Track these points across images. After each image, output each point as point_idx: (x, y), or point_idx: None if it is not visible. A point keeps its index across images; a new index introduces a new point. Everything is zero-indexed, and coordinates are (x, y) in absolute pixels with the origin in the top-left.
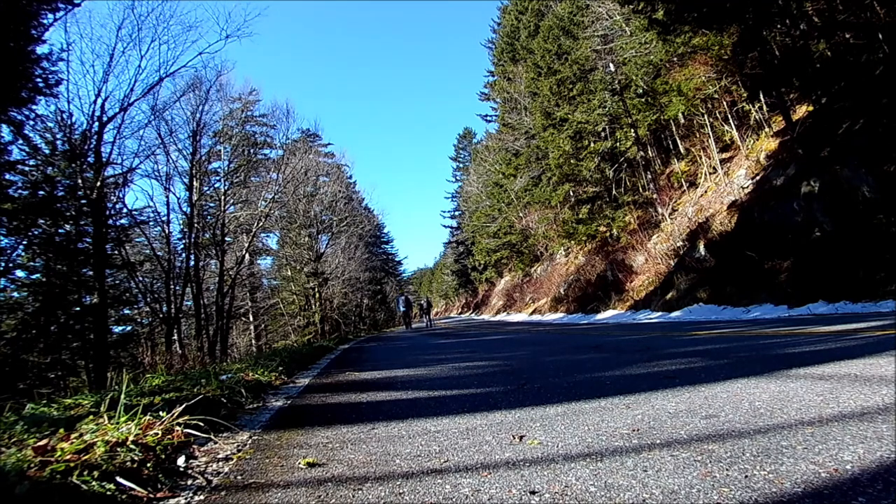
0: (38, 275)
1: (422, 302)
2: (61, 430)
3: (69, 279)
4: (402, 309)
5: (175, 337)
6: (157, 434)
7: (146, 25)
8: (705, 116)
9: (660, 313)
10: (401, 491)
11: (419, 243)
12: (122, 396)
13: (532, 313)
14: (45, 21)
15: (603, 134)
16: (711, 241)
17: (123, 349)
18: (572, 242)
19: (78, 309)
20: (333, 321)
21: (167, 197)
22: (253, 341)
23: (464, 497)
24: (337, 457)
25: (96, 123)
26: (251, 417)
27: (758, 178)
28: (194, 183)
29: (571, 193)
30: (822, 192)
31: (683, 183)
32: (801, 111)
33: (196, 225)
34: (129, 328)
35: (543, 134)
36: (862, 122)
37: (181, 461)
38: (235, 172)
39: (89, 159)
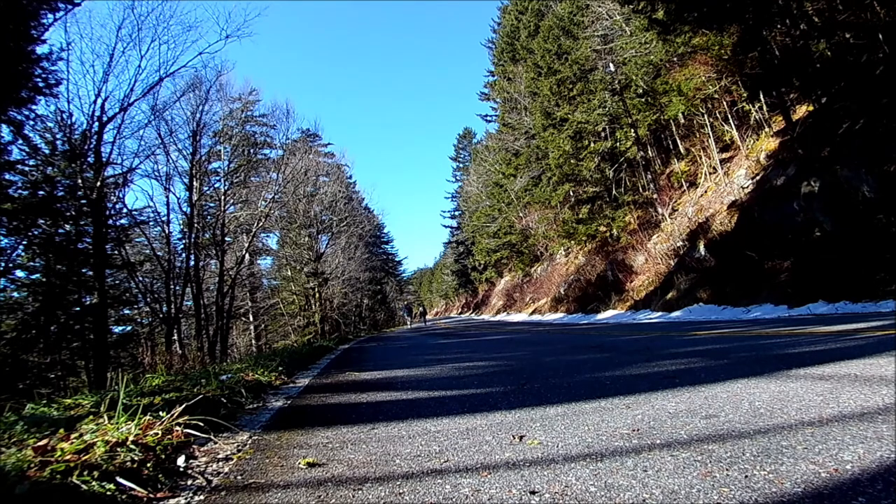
0: (38, 275)
1: (420, 308)
2: (61, 431)
3: (69, 279)
4: (403, 313)
5: (175, 337)
6: (156, 434)
7: (146, 25)
8: (705, 116)
9: (660, 313)
10: (401, 491)
11: (419, 243)
12: (122, 396)
13: (532, 313)
14: (45, 21)
15: (603, 134)
16: (711, 240)
17: (123, 349)
18: (572, 242)
19: (78, 309)
20: (333, 321)
21: (167, 197)
22: (253, 341)
23: (464, 497)
24: (337, 457)
25: (96, 123)
26: (251, 417)
27: (758, 178)
28: (194, 183)
29: (571, 193)
30: (822, 192)
31: (683, 183)
32: (801, 111)
33: (196, 225)
34: (129, 328)
35: (543, 134)
36: (862, 122)
37: (181, 461)
38: (235, 172)
39: (89, 159)
